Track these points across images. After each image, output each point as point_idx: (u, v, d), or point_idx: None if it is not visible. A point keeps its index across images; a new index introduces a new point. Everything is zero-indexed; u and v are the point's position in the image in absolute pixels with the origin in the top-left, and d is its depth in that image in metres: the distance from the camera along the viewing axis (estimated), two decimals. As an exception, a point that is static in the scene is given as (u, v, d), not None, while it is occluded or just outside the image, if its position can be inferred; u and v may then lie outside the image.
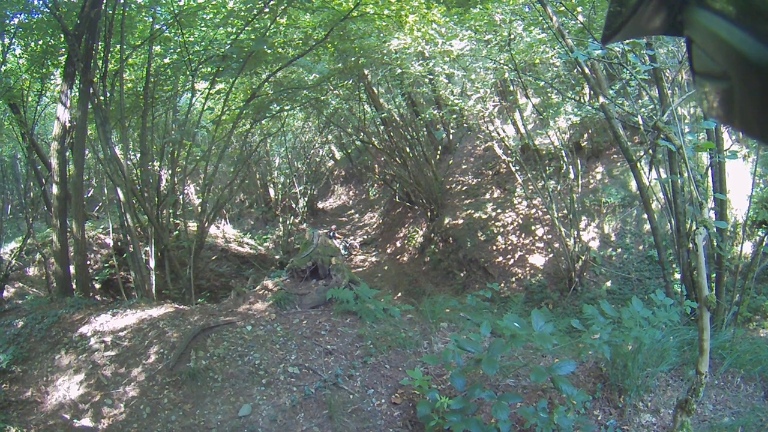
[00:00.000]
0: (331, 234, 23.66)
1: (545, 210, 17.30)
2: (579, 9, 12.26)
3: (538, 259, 17.88)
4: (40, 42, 12.63)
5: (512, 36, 12.52)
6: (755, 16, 0.63)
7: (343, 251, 23.69)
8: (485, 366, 5.12)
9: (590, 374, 6.21)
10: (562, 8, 11.17)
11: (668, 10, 0.82)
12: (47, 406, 6.94)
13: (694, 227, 4.85)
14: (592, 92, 12.46)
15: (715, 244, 8.53)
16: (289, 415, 6.12)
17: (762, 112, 0.65)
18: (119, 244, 16.30)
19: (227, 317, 8.15)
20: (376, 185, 32.49)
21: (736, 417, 5.65)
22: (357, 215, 32.05)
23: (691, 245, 7.81)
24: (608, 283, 15.81)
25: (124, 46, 12.22)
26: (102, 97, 11.20)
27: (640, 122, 9.47)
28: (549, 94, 17.84)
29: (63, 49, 12.18)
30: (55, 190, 10.44)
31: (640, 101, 12.71)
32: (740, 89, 0.68)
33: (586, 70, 9.09)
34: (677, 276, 11.20)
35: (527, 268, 17.77)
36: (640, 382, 5.78)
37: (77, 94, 10.75)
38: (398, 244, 24.64)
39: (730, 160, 7.47)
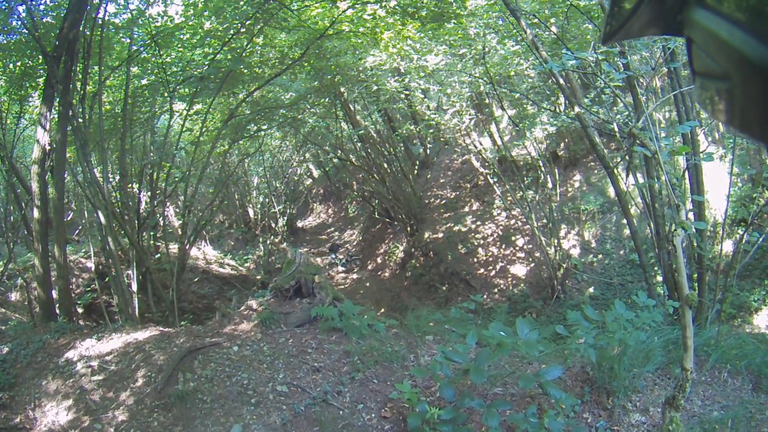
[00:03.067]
0: (334, 249, 23.79)
1: (525, 220, 17.43)
2: (552, 21, 12.42)
3: (519, 269, 17.98)
4: (19, 63, 12.56)
5: (487, 49, 12.67)
6: (755, 16, 0.64)
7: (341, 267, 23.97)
8: (473, 375, 5.16)
9: (577, 378, 6.27)
10: (536, 20, 11.31)
11: (668, 10, 0.82)
12: (36, 433, 6.89)
13: (673, 229, 4.95)
14: (567, 102, 12.62)
15: (695, 244, 8.64)
16: (281, 433, 6.12)
17: (763, 113, 0.66)
18: (101, 267, 16.17)
19: (213, 338, 8.13)
20: (354, 202, 32.54)
21: (725, 411, 5.73)
22: (337, 233, 32.04)
23: (670, 247, 7.91)
24: (591, 290, 15.93)
25: (103, 68, 12.19)
26: (81, 120, 11.15)
27: (616, 129, 9.58)
28: (524, 106, 18.03)
29: (41, 71, 12.12)
30: (36, 214, 10.33)
31: (615, 108, 12.85)
32: (741, 90, 0.68)
33: (561, 81, 9.20)
34: (659, 278, 11.31)
35: (509, 279, 17.86)
36: (627, 383, 5.84)
37: (56, 116, 10.69)
38: (379, 260, 24.68)
39: (706, 162, 7.57)
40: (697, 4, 0.75)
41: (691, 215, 9.20)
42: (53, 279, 10.89)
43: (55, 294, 10.74)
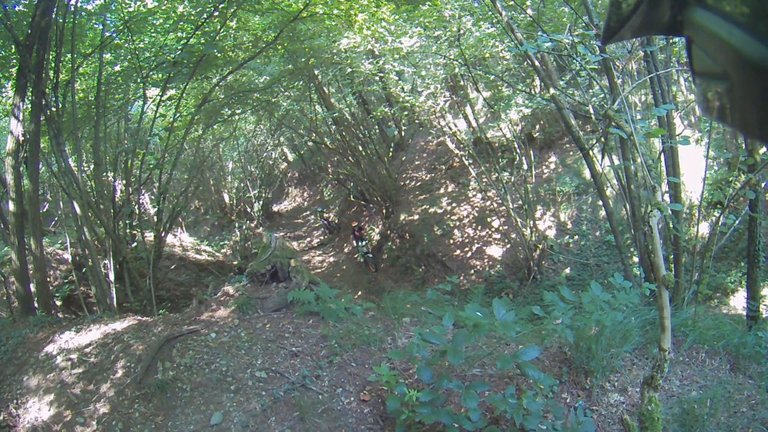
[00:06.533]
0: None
1: (500, 201, 17.50)
2: (528, 2, 12.41)
3: (495, 251, 18.09)
4: (-9, 54, 12.36)
5: (462, 31, 12.64)
6: (755, 15, 0.63)
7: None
8: (451, 356, 5.18)
9: (555, 359, 6.32)
10: (511, 2, 11.30)
11: (668, 10, 0.82)
12: (20, 430, 6.84)
13: (649, 210, 4.97)
14: (542, 84, 12.66)
15: (672, 225, 8.72)
16: (261, 419, 6.11)
17: (762, 113, 0.66)
18: (78, 258, 16.02)
19: (191, 326, 8.08)
20: (330, 185, 32.51)
21: (704, 390, 5.81)
22: (312, 216, 31.99)
23: (646, 228, 7.96)
24: (567, 270, 16.08)
25: (75, 55, 12.02)
26: (54, 109, 10.98)
27: (591, 111, 9.64)
28: (500, 87, 18.05)
29: (14, 61, 11.94)
30: (11, 206, 10.19)
31: (590, 91, 12.90)
32: (740, 89, 0.68)
33: (536, 63, 9.22)
34: (635, 259, 11.42)
35: (485, 260, 17.96)
36: (605, 363, 5.89)
37: (30, 106, 10.52)
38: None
39: (682, 145, 7.62)
40: (697, 4, 0.75)
41: (666, 197, 9.29)
42: (30, 272, 10.77)
43: (33, 287, 10.63)
